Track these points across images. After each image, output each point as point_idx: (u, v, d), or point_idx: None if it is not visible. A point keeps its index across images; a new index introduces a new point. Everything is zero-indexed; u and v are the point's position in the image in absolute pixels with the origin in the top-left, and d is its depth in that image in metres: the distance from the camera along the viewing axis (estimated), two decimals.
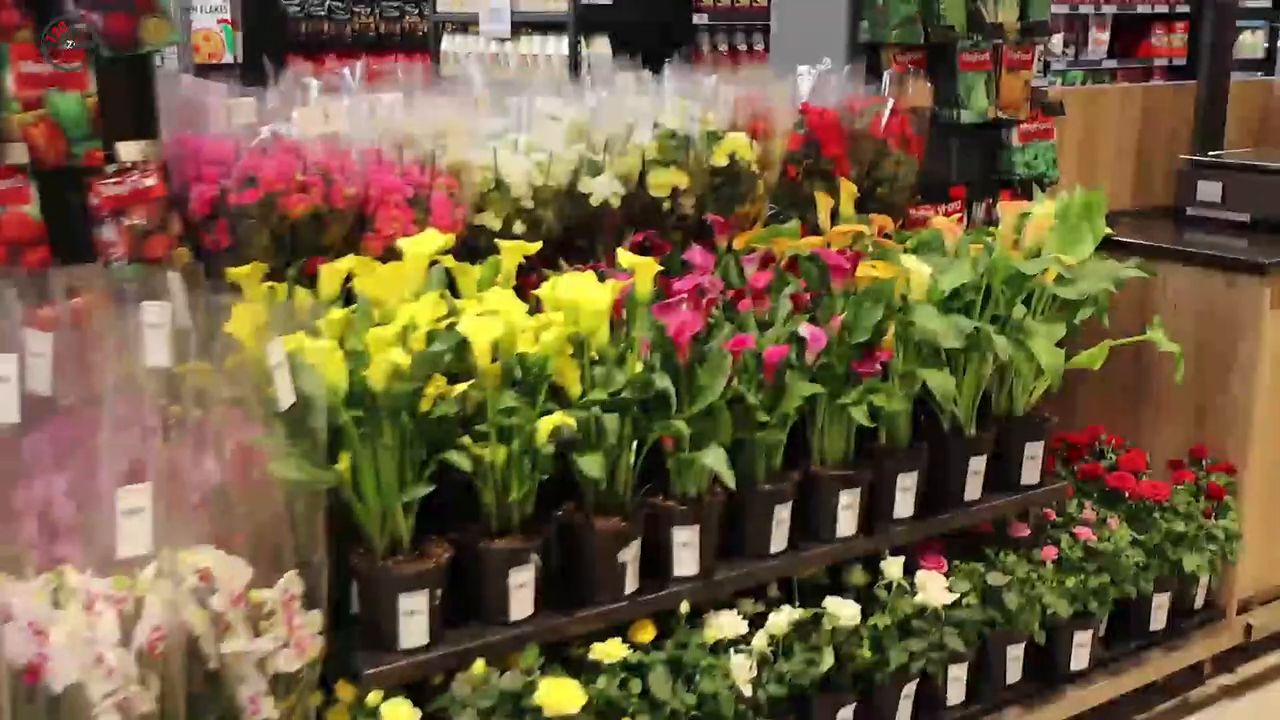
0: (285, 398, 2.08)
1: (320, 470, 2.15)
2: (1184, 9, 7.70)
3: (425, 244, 2.34)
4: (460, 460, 2.22)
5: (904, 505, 2.87)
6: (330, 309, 2.34)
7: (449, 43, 6.39)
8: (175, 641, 1.99)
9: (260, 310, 2.34)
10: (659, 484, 2.56)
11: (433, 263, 2.52)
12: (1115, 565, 3.13)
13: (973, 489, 2.99)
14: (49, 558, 2.04)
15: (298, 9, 7.97)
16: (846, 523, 2.77)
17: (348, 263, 2.46)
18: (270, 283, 2.42)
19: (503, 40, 5.91)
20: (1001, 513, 3.09)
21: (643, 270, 2.46)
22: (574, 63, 5.51)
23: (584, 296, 2.36)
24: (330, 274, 2.44)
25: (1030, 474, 3.08)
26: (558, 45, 5.61)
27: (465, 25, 6.39)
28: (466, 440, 2.26)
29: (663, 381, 2.39)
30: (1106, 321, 3.07)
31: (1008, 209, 2.94)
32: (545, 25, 5.73)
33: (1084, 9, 7.36)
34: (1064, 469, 3.51)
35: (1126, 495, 3.32)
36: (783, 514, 2.68)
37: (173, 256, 2.50)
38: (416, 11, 8.36)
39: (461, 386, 2.25)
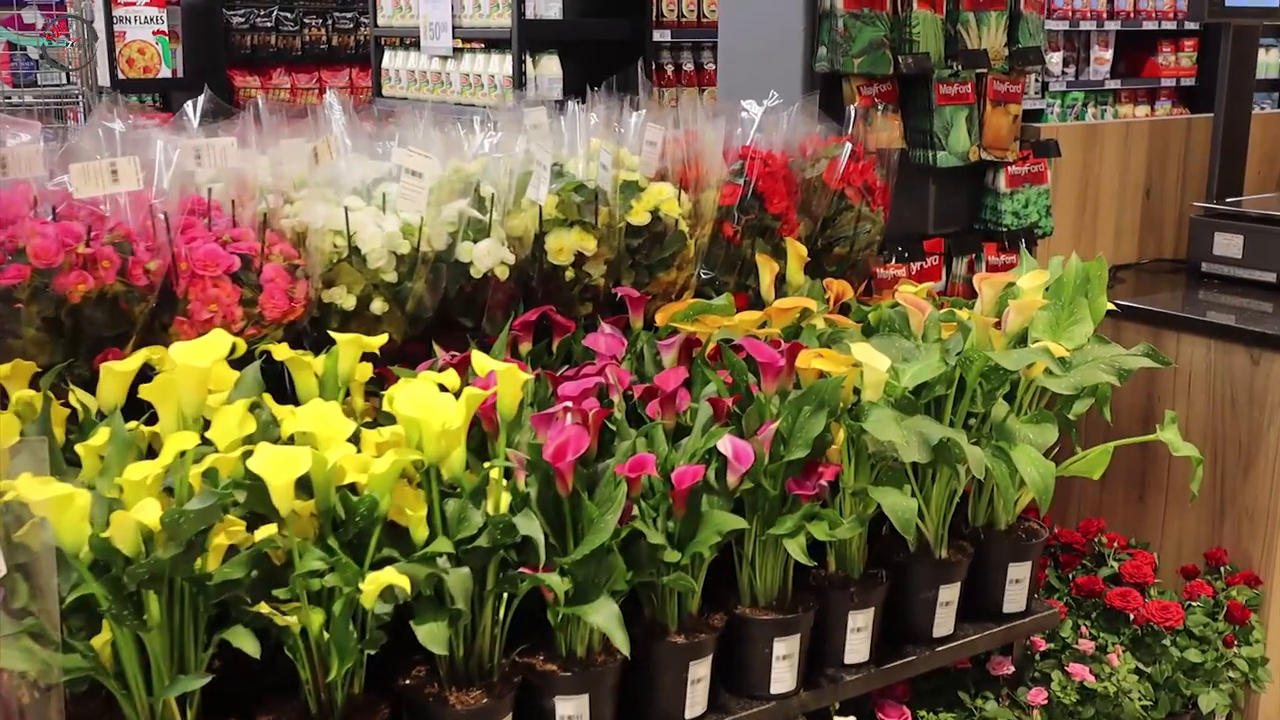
0: None
1: (55, 655, 1.60)
2: (1193, 26, 7.17)
3: (202, 351, 1.79)
4: (244, 642, 1.66)
5: (857, 649, 2.32)
6: (105, 424, 1.80)
7: (390, 59, 5.85)
8: None
9: (12, 426, 1.80)
10: (538, 639, 2.01)
11: (262, 355, 1.99)
12: (1118, 708, 2.58)
13: (943, 623, 2.44)
14: None
15: (242, 20, 7.43)
16: (783, 677, 2.22)
17: (136, 360, 1.92)
18: (27, 391, 1.88)
19: (445, 58, 5.37)
20: (977, 649, 2.54)
21: (506, 378, 1.91)
22: (519, 83, 4.96)
23: (429, 413, 1.81)
24: (110, 376, 1.90)
25: (1015, 600, 2.54)
26: (501, 64, 5.06)
27: (414, 41, 5.85)
28: (263, 608, 1.71)
29: (528, 526, 1.84)
30: (1108, 415, 2.53)
31: (986, 282, 2.40)
32: (489, 42, 5.19)
33: (1085, 25, 6.81)
34: (1056, 576, 2.97)
35: (1132, 618, 2.77)
36: (700, 670, 2.13)
37: None
38: (371, 23, 7.82)
39: (261, 533, 1.71)
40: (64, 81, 5.88)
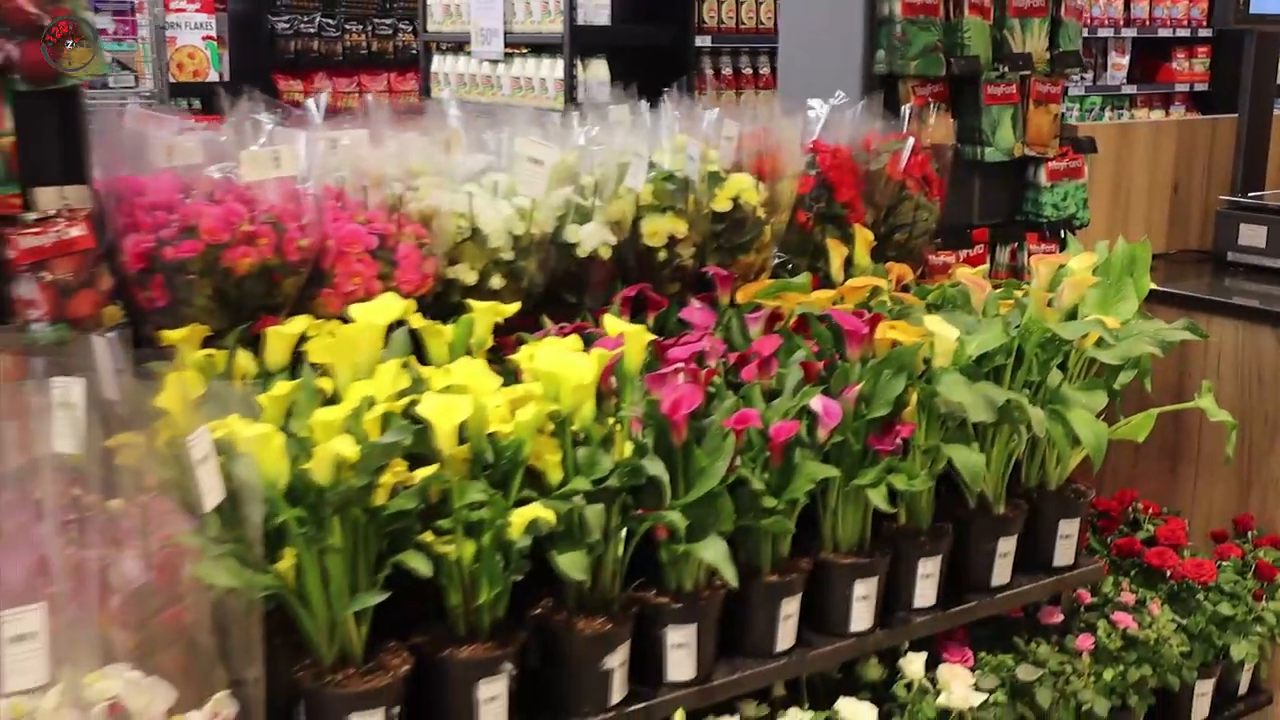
0: (210, 496, 1.78)
1: (256, 574, 1.85)
2: (1206, 33, 7.42)
3: (381, 311, 2.05)
4: (418, 563, 1.91)
5: (925, 594, 2.57)
6: (277, 379, 2.04)
7: (440, 63, 6.10)
8: None
9: (195, 381, 2.04)
10: (650, 577, 2.26)
11: (398, 324, 2.23)
12: (1158, 655, 2.83)
13: (1001, 573, 2.69)
14: None
15: (287, 26, 7.69)
16: (862, 616, 2.46)
17: (299, 325, 2.17)
18: (209, 349, 2.13)
19: (495, 62, 5.62)
20: (1033, 597, 2.79)
21: (633, 338, 2.16)
22: (570, 86, 5.21)
23: (565, 369, 2.06)
24: (278, 339, 2.14)
25: (1064, 554, 2.78)
26: (552, 68, 5.31)
27: (460, 45, 6.10)
28: (428, 537, 1.96)
29: (655, 467, 2.08)
30: (1149, 386, 2.77)
31: (1042, 263, 2.64)
32: (540, 47, 5.44)
33: (1103, 32, 7.06)
34: (1096, 540, 3.21)
35: (1168, 575, 3.02)
36: (790, 608, 2.37)
37: (101, 316, 2.21)
38: (410, 29, 8.08)
39: (423, 473, 1.96)
40: (133, 84, 6.15)
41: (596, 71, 5.29)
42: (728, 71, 5.94)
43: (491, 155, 2.68)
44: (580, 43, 5.22)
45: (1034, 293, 2.58)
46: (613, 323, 2.21)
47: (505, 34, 5.48)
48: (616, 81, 5.35)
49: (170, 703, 1.79)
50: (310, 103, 2.74)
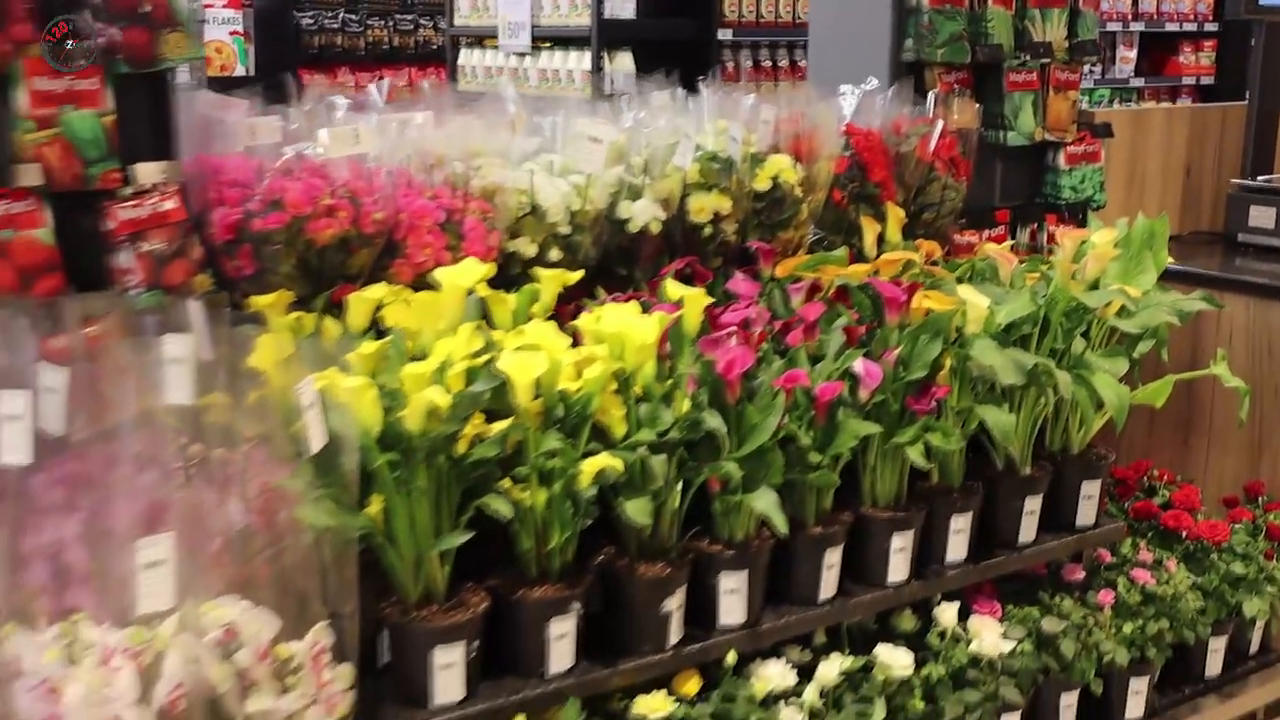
0: (317, 440, 1.94)
1: (351, 515, 2.01)
2: (1212, 27, 7.58)
3: (464, 274, 2.21)
4: (500, 505, 2.07)
5: (957, 548, 2.73)
6: (360, 341, 2.20)
7: (466, 57, 6.26)
8: (197, 699, 1.86)
9: (286, 342, 2.20)
10: (704, 528, 2.42)
11: (468, 292, 2.38)
12: (1175, 610, 2.98)
13: (1027, 530, 2.85)
14: (60, 607, 1.91)
15: (311, 21, 7.85)
16: (899, 567, 2.62)
17: (378, 291, 2.33)
18: (297, 312, 2.29)
19: (522, 55, 5.78)
20: (1056, 555, 2.95)
21: (692, 301, 2.33)
22: (597, 78, 5.37)
23: (630, 330, 2.22)
24: (359, 303, 2.31)
25: (1086, 514, 2.94)
26: (579, 60, 5.47)
27: (481, 39, 6.27)
28: (506, 484, 2.12)
29: (714, 421, 2.25)
30: (1166, 356, 2.93)
31: (1067, 236, 2.80)
32: (567, 40, 5.60)
33: (1112, 26, 7.22)
34: (1114, 507, 3.37)
35: (1184, 535, 3.18)
36: (833, 558, 2.53)
37: (192, 284, 2.37)
38: (430, 24, 8.24)
39: (501, 426, 2.12)
40: None
41: (622, 63, 5.45)
42: (748, 64, 6.10)
43: (539, 138, 2.85)
44: (606, 36, 5.38)
45: (1059, 264, 2.74)
46: (673, 287, 2.37)
47: (533, 27, 5.64)
48: (641, 74, 5.50)
49: (275, 632, 1.95)
50: (372, 88, 2.91)
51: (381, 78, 8.29)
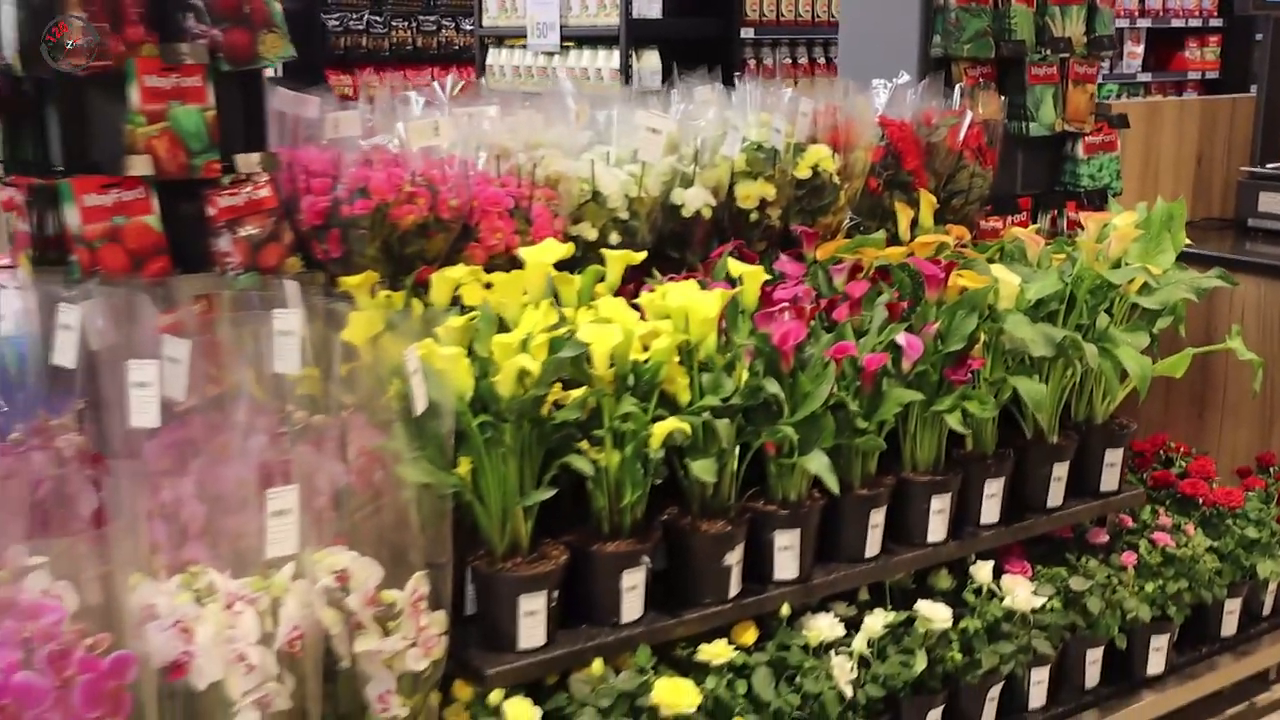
0: (420, 403, 2.13)
1: (446, 473, 2.20)
2: (1217, 23, 7.78)
3: (546, 253, 2.40)
4: (582, 464, 2.26)
5: (990, 511, 2.92)
6: (445, 316, 2.39)
7: (495, 56, 6.45)
8: (312, 640, 2.04)
9: (375, 318, 2.39)
10: (760, 489, 2.60)
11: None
12: (1193, 571, 3.17)
13: (1055, 495, 3.04)
14: (182, 559, 2.09)
15: (337, 23, 8.04)
16: (937, 528, 2.81)
17: (458, 272, 2.51)
18: (385, 291, 2.48)
19: (550, 54, 5.97)
20: (1081, 518, 3.14)
21: (750, 278, 2.52)
22: (626, 76, 5.56)
23: (694, 304, 2.41)
24: (442, 282, 2.49)
25: (1109, 480, 3.13)
26: (608, 59, 5.66)
27: (501, 39, 6.46)
28: (584, 445, 2.31)
29: (773, 387, 2.44)
30: (1183, 331, 3.12)
31: (1091, 219, 2.99)
32: (595, 39, 5.79)
33: (1119, 23, 7.41)
34: (1134, 477, 3.55)
35: (1200, 502, 3.36)
36: (877, 519, 2.72)
37: (284, 266, 2.56)
38: (452, 25, 8.44)
39: (578, 392, 2.30)
40: None
41: (649, 61, 5.64)
42: (768, 61, 6.29)
43: (591, 131, 3.04)
44: (634, 35, 5.58)
45: (1085, 244, 2.93)
46: (735, 265, 2.57)
47: (561, 27, 5.83)
48: (666, 71, 5.70)
49: (379, 580, 2.13)
50: (436, 86, 3.10)
51: (405, 78, 8.52)
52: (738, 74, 3.23)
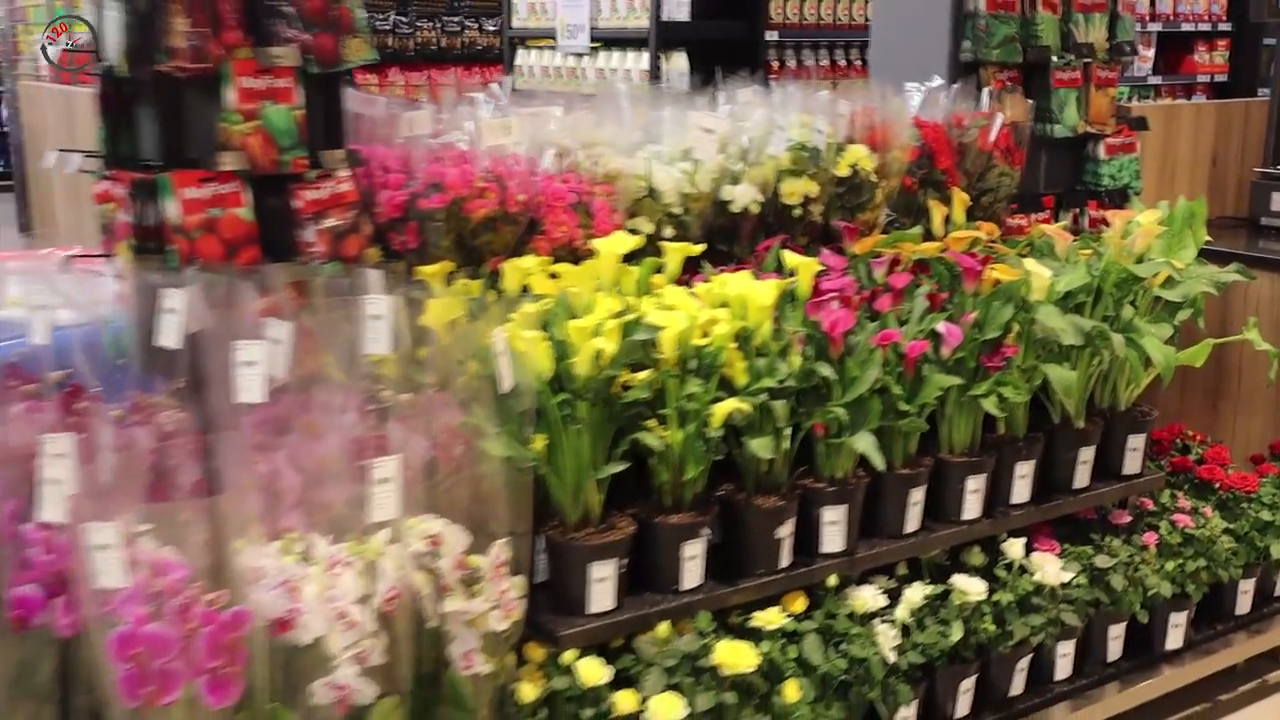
0: (507, 381, 2.30)
1: (526, 448, 2.37)
2: (1226, 27, 7.95)
3: (617, 244, 2.57)
4: (651, 440, 2.44)
5: (1021, 491, 3.09)
6: (523, 302, 2.56)
7: (524, 57, 6.62)
8: (405, 601, 2.21)
9: (452, 304, 2.56)
10: (809, 468, 2.77)
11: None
12: (1211, 551, 3.34)
13: (1081, 477, 3.21)
14: (280, 527, 2.26)
15: None
16: (972, 506, 2.99)
17: (529, 262, 2.68)
18: (462, 280, 2.65)
19: (580, 55, 6.14)
20: (1105, 500, 3.31)
21: (804, 269, 2.69)
22: (655, 77, 5.73)
23: (752, 293, 2.58)
24: (514, 271, 2.66)
25: (1132, 464, 3.30)
26: (637, 60, 5.83)
27: (524, 39, 6.64)
28: (652, 423, 2.48)
29: (826, 369, 2.61)
30: (1202, 323, 3.29)
31: (1117, 216, 3.16)
32: (625, 41, 5.96)
33: None
34: (1152, 463, 3.72)
35: (1217, 486, 3.54)
36: (917, 496, 2.89)
37: (364, 256, 2.73)
38: (476, 26, 8.61)
39: (646, 374, 2.47)
40: None
41: (677, 63, 5.81)
42: (791, 64, 6.47)
43: (641, 130, 3.20)
44: (663, 37, 5.75)
45: (1111, 239, 3.10)
46: (790, 257, 2.74)
47: (591, 29, 6.00)
48: (694, 72, 5.86)
49: (465, 545, 2.31)
50: (494, 87, 3.27)
51: (429, 78, 8.69)
52: (771, 77, 3.37)
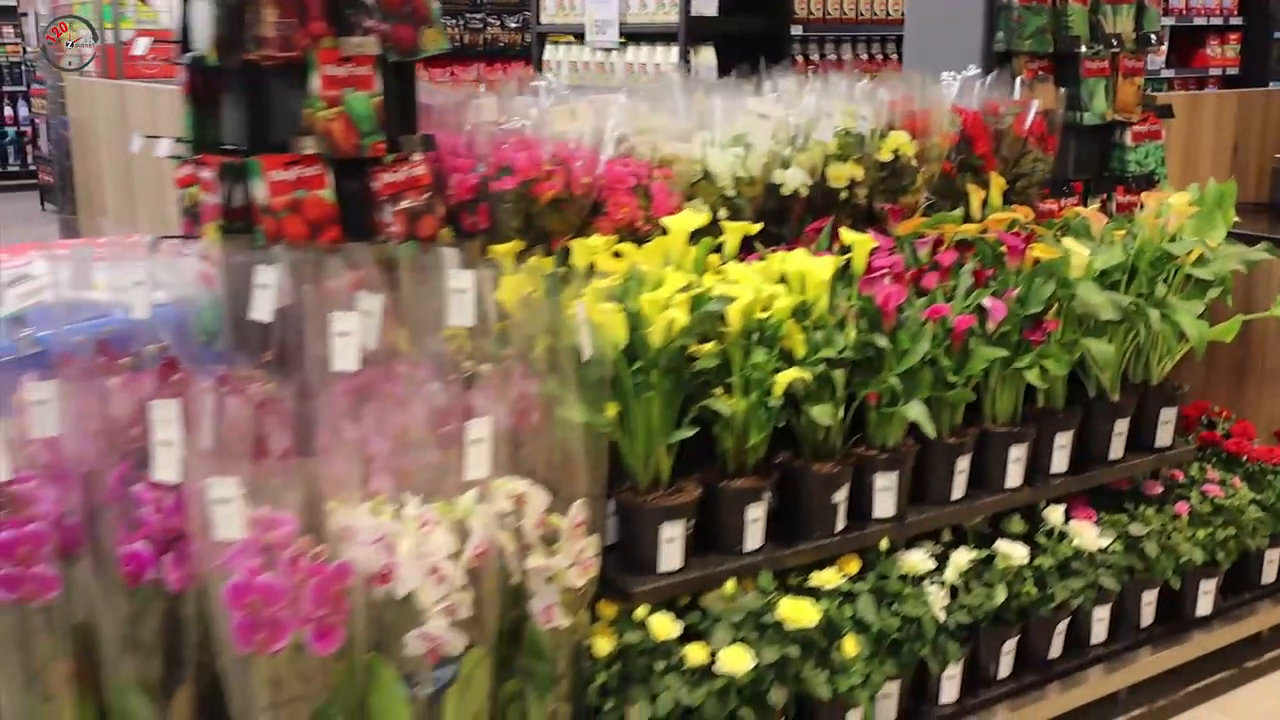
0: (587, 350, 2.44)
1: (602, 414, 2.50)
2: (1237, 21, 8.09)
3: (686, 222, 2.71)
4: (720, 406, 2.57)
5: (1060, 461, 3.23)
6: (595, 278, 2.69)
7: (552, 52, 6.76)
8: (492, 557, 2.35)
9: (524, 280, 2.69)
10: (861, 437, 2.91)
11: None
12: (1240, 520, 3.48)
13: (1116, 449, 3.34)
14: (370, 490, 2.39)
15: None
16: (1014, 475, 3.12)
17: (597, 241, 2.82)
18: (533, 256, 2.78)
19: (609, 50, 6.28)
20: (1139, 471, 3.44)
21: (860, 246, 2.83)
22: (685, 71, 5.86)
23: (811, 269, 2.72)
24: (583, 249, 2.80)
25: (1164, 437, 3.44)
26: (666, 54, 5.97)
27: (551, 35, 6.78)
28: (718, 391, 2.62)
29: (881, 341, 2.75)
30: (1231, 301, 3.42)
31: (1150, 198, 3.30)
32: (654, 36, 6.10)
33: None
34: (1181, 438, 3.85)
35: (1245, 459, 3.67)
36: (963, 465, 3.03)
37: (438, 236, 2.86)
38: (498, 23, 8.75)
39: (712, 345, 2.61)
40: None
41: (706, 57, 5.95)
42: (815, 57, 6.61)
43: (686, 118, 3.34)
44: (691, 32, 5.89)
45: (1145, 220, 3.24)
46: (847, 234, 2.87)
47: (620, 25, 6.14)
48: (721, 66, 6.00)
49: (546, 505, 2.44)
50: (550, 77, 3.41)
51: (452, 74, 8.83)
52: (811, 68, 3.52)
